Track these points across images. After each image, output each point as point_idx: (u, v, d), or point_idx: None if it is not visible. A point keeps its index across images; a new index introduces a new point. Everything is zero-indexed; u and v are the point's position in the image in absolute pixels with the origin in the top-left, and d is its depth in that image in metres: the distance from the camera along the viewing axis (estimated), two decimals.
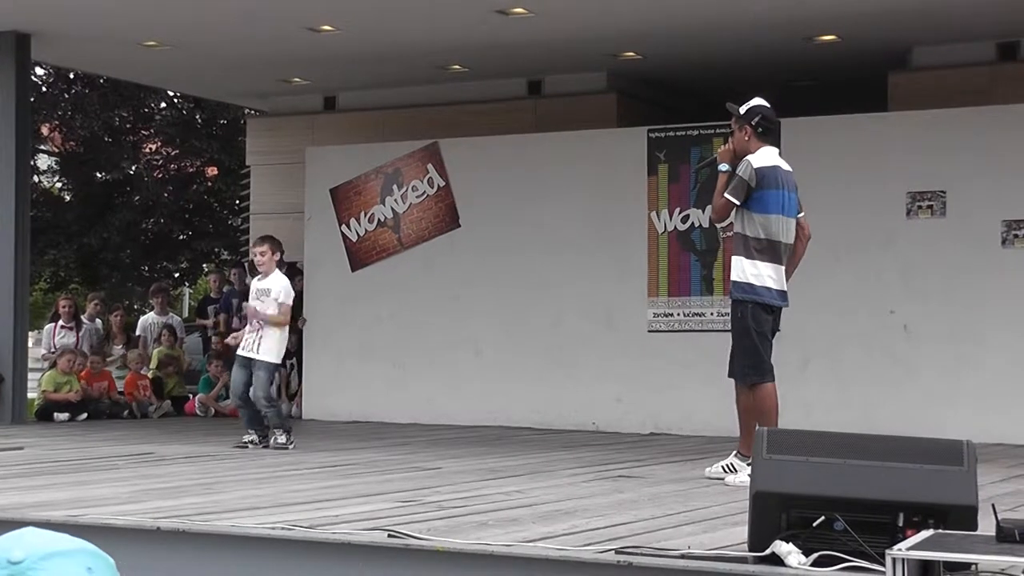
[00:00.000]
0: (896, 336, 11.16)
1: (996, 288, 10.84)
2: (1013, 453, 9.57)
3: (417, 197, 13.12)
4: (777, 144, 7.82)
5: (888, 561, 3.84)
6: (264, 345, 9.76)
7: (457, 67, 13.62)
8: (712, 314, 11.80)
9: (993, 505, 4.31)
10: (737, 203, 7.42)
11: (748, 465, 7.22)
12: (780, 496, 4.45)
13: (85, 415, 13.00)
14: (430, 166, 13.07)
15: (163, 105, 22.33)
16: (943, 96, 11.70)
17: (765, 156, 7.52)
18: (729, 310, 7.71)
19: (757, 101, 7.68)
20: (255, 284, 10.08)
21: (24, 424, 12.35)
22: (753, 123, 7.54)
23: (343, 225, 13.41)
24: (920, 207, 11.15)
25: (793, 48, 12.48)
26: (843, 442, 4.60)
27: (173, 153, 22.67)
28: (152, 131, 22.65)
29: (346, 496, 6.70)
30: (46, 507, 6.04)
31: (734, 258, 7.57)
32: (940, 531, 4.20)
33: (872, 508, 4.37)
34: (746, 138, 7.54)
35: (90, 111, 21.12)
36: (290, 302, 9.96)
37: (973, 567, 4.15)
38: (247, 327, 10.09)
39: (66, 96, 21.49)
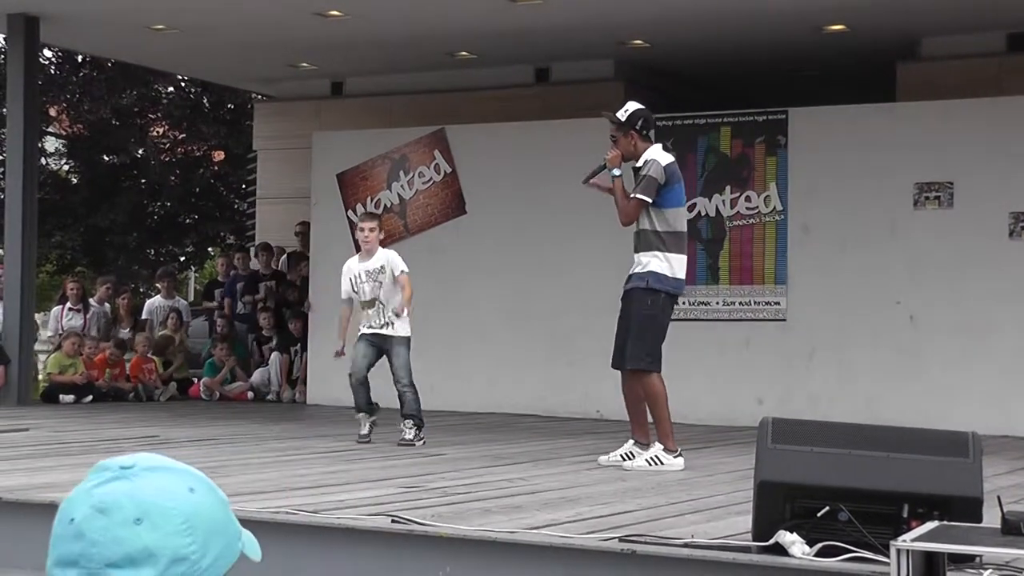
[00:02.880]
0: (902, 327, 11.14)
1: (1003, 280, 10.82)
2: (1018, 445, 9.56)
3: (424, 183, 13.11)
4: (655, 140, 8.03)
5: (892, 552, 3.83)
6: (398, 319, 9.07)
7: (465, 53, 13.60)
8: (718, 303, 11.79)
9: (999, 497, 4.30)
10: (650, 201, 7.65)
11: (643, 452, 7.65)
12: (784, 486, 4.45)
13: (90, 397, 13.02)
14: (437, 152, 13.06)
15: (170, 89, 22.32)
16: (952, 87, 11.67)
17: (662, 153, 7.80)
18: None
19: (635, 105, 7.95)
20: (359, 266, 9.27)
21: (30, 406, 12.36)
22: (637, 127, 7.83)
23: (349, 210, 13.40)
24: (927, 198, 11.13)
25: (801, 37, 12.44)
26: (848, 433, 4.60)
27: (180, 137, 22.67)
28: (159, 115, 22.65)
29: (350, 481, 6.71)
30: (52, 488, 6.05)
31: (642, 254, 7.74)
32: (945, 523, 4.20)
33: (877, 499, 4.37)
34: (633, 143, 7.81)
35: (98, 94, 21.12)
36: (408, 270, 9.18)
37: (978, 559, 4.15)
38: (365, 314, 9.17)
39: (74, 79, 21.49)
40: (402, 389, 9.10)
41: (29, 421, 10.36)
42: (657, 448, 7.68)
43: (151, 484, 1.48)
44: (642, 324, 7.71)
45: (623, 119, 7.80)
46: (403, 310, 9.05)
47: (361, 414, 9.30)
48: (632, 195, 7.68)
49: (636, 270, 7.75)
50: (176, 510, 1.46)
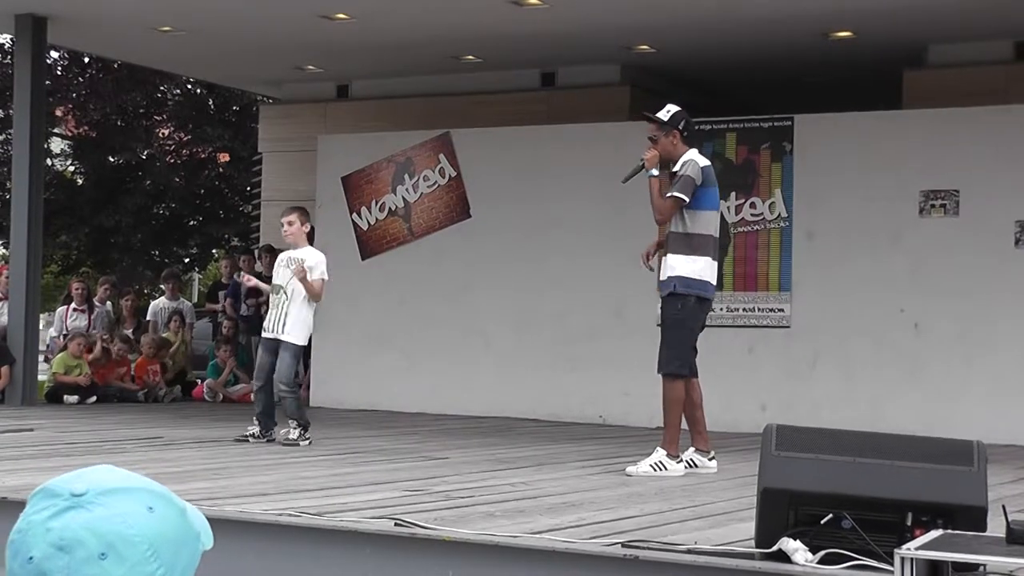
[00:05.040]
0: (906, 334, 11.13)
1: (1008, 288, 10.81)
2: (1023, 454, 9.54)
3: (428, 187, 13.11)
4: (697, 145, 8.03)
5: (896, 560, 3.83)
6: (289, 323, 9.05)
7: (471, 57, 13.61)
8: (721, 309, 11.77)
9: (1004, 506, 4.29)
10: (687, 200, 7.64)
11: (704, 458, 7.76)
12: (788, 493, 4.45)
13: (95, 398, 13.03)
14: (442, 156, 13.06)
15: (176, 91, 22.34)
16: (958, 94, 11.66)
17: (700, 156, 7.82)
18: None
19: (675, 106, 7.94)
20: (286, 254, 9.26)
21: (34, 406, 12.37)
22: (680, 127, 7.83)
23: (354, 213, 13.41)
24: (933, 206, 11.12)
25: (808, 43, 12.44)
26: (852, 440, 4.59)
27: (185, 139, 22.69)
28: (165, 116, 22.67)
29: (354, 484, 6.71)
30: None
31: (673, 256, 7.76)
32: (949, 531, 4.19)
33: (881, 507, 4.36)
34: (673, 143, 7.82)
35: (104, 95, 21.14)
36: (327, 278, 9.20)
37: (982, 568, 4.14)
38: (270, 301, 9.31)
39: (80, 80, 21.51)
40: (281, 393, 9.08)
41: (34, 421, 10.37)
42: (660, 454, 7.69)
43: (109, 512, 1.42)
44: (670, 329, 7.75)
45: (665, 119, 7.81)
46: (305, 273, 9.03)
47: (256, 420, 9.25)
48: (669, 193, 7.68)
49: (666, 275, 7.76)
50: (139, 536, 1.42)
